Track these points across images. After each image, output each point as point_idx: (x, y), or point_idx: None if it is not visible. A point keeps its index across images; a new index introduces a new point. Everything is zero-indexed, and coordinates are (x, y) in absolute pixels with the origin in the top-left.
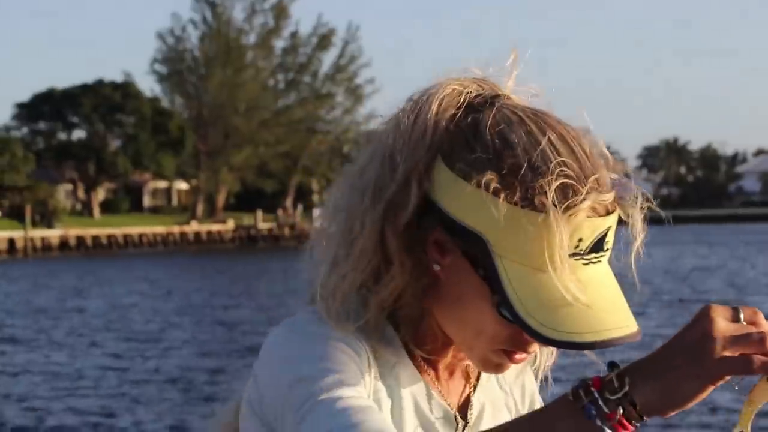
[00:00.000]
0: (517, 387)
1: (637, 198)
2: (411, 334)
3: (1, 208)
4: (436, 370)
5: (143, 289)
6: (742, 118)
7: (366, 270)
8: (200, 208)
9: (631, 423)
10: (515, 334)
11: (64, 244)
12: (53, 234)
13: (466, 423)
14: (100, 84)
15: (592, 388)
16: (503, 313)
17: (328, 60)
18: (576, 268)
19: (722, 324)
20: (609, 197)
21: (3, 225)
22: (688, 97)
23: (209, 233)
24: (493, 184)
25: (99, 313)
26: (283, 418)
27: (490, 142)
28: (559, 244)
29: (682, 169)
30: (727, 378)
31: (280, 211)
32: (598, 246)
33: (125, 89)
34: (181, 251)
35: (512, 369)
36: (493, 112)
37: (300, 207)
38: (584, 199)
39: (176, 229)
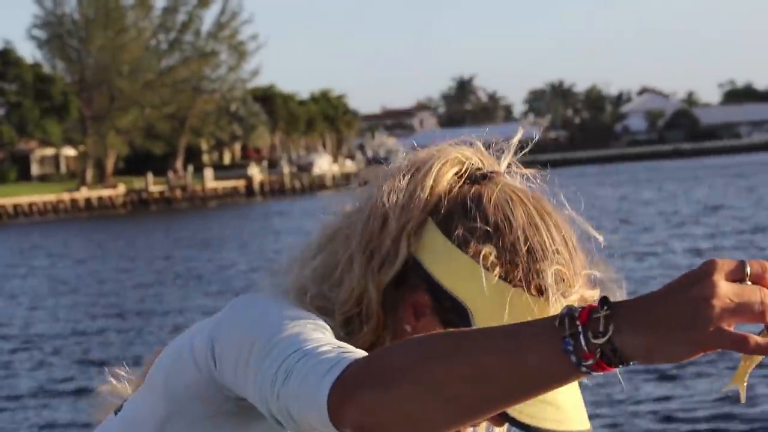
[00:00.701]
0: None
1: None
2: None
3: None
4: None
5: (36, 259)
6: (624, 58)
7: (345, 311)
8: (90, 174)
9: (608, 366)
10: None
11: None
12: None
13: None
14: None
15: (578, 322)
16: None
17: (209, 18)
18: (544, 309)
19: (724, 288)
20: (595, 294)
21: None
22: (571, 40)
23: (100, 199)
24: (491, 258)
25: None
26: (238, 362)
27: (492, 215)
28: (533, 258)
29: (569, 112)
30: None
31: (170, 173)
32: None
33: (5, 56)
34: (73, 218)
35: None
36: (497, 187)
37: (190, 168)
38: (576, 291)
39: (66, 197)
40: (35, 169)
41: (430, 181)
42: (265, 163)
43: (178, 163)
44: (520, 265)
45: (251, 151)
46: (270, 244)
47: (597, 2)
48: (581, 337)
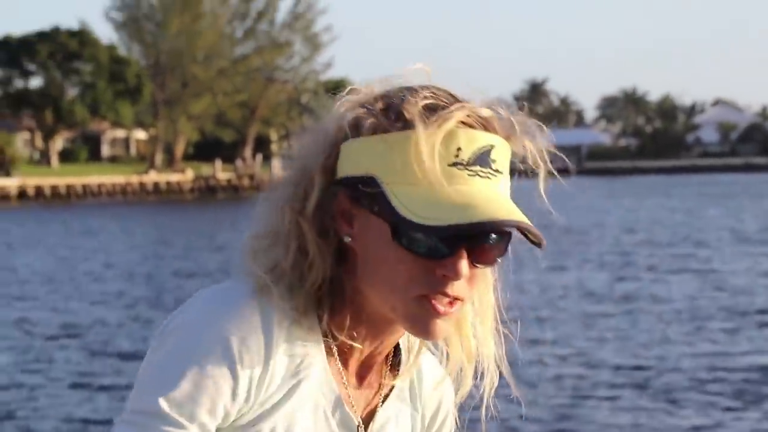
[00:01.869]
0: (434, 401)
1: (534, 134)
2: (335, 320)
3: None
4: (347, 370)
5: (103, 240)
6: (700, 68)
7: (289, 258)
8: (159, 158)
9: None
10: (425, 272)
11: (22, 193)
12: (11, 183)
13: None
14: (56, 31)
15: None
16: (401, 242)
17: (284, 7)
18: (459, 177)
19: None
20: (485, 112)
21: None
22: (647, 47)
23: (168, 183)
24: (372, 125)
25: (47, 267)
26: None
27: (377, 106)
28: (429, 153)
29: (641, 120)
30: None
31: (239, 161)
32: (482, 160)
33: (82, 37)
34: (141, 201)
35: (429, 381)
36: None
37: (259, 157)
38: (452, 111)
39: (135, 179)
40: (106, 150)
41: (334, 117)
42: None
43: (247, 152)
44: (396, 112)
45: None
46: None
47: (675, 8)
48: None
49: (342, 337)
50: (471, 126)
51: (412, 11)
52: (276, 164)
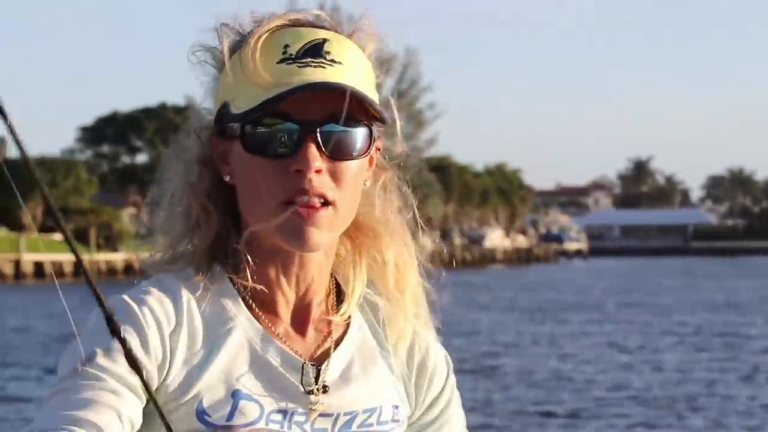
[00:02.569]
0: (410, 355)
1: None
2: (239, 268)
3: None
4: (279, 320)
5: None
6: None
7: (187, 224)
8: None
9: None
10: (282, 174)
11: (128, 267)
12: (118, 258)
13: (318, 372)
14: (163, 107)
15: None
16: (249, 149)
17: (388, 84)
18: (289, 71)
19: None
20: (310, 12)
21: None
22: (754, 126)
23: None
24: (225, 60)
25: None
26: None
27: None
28: (251, 56)
29: (748, 200)
30: None
31: None
32: (313, 52)
33: (188, 112)
34: None
35: (396, 328)
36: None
37: None
38: (276, 15)
39: None
40: None
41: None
42: (436, 233)
43: None
44: (241, 43)
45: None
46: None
47: None
48: None
49: (249, 283)
50: (301, 25)
51: (516, 90)
52: None
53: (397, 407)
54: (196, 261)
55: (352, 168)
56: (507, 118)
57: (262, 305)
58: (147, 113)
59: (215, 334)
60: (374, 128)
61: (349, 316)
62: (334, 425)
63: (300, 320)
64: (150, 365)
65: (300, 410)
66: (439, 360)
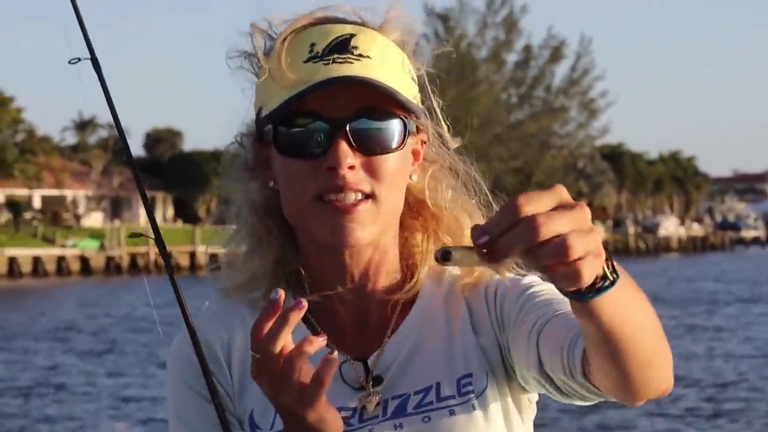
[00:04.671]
0: (486, 299)
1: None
2: (300, 278)
3: None
4: (335, 320)
5: None
6: None
7: (252, 242)
8: None
9: None
10: (314, 172)
11: None
12: None
13: (367, 366)
14: None
15: None
16: (282, 150)
17: (560, 73)
18: (316, 69)
19: None
20: (344, 9)
21: None
22: None
23: None
24: (261, 62)
25: None
26: None
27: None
28: (277, 59)
29: None
30: None
31: None
32: (340, 48)
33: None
34: None
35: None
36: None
37: None
38: (302, 15)
39: None
40: None
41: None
42: (609, 222)
43: None
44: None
45: (596, 209)
46: None
47: None
48: None
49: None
50: (327, 22)
51: (691, 78)
52: None
53: (468, 377)
54: (266, 282)
55: (389, 162)
56: (682, 105)
57: (318, 310)
58: None
59: None
60: (410, 121)
61: (417, 293)
62: (384, 412)
63: (359, 313)
64: (227, 388)
65: (349, 406)
66: (502, 284)
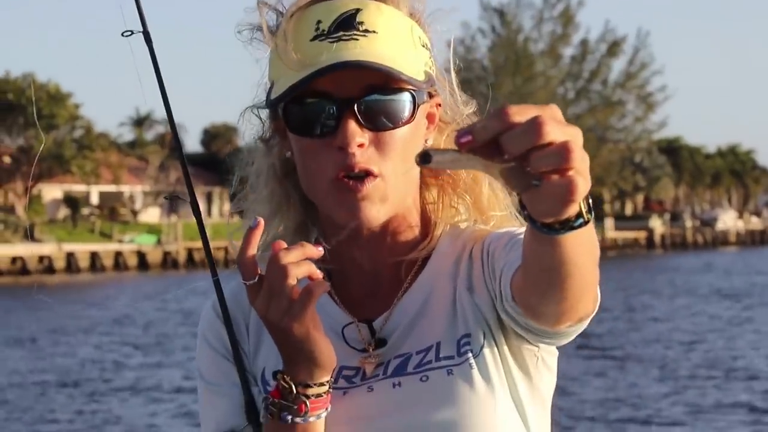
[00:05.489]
0: (480, 255)
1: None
2: (315, 240)
3: None
4: (349, 284)
5: None
6: None
7: (271, 207)
8: None
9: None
10: (327, 152)
11: None
12: None
13: (372, 327)
14: None
15: (271, 398)
16: (293, 129)
17: (617, 67)
18: (322, 48)
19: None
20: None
21: None
22: None
23: None
24: (268, 40)
25: None
26: None
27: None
28: (283, 37)
29: None
30: None
31: None
32: (345, 24)
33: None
34: None
35: (454, 238)
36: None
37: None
38: None
39: None
40: None
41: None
42: (667, 215)
43: None
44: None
45: (654, 202)
46: (676, 301)
47: None
48: (283, 407)
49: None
50: None
51: (750, 70)
52: (609, 224)
53: (467, 336)
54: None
55: (399, 136)
56: (740, 99)
57: (333, 273)
58: None
59: None
60: (419, 93)
61: (432, 252)
62: (385, 371)
63: (374, 276)
64: (245, 347)
65: (351, 365)
66: (496, 235)
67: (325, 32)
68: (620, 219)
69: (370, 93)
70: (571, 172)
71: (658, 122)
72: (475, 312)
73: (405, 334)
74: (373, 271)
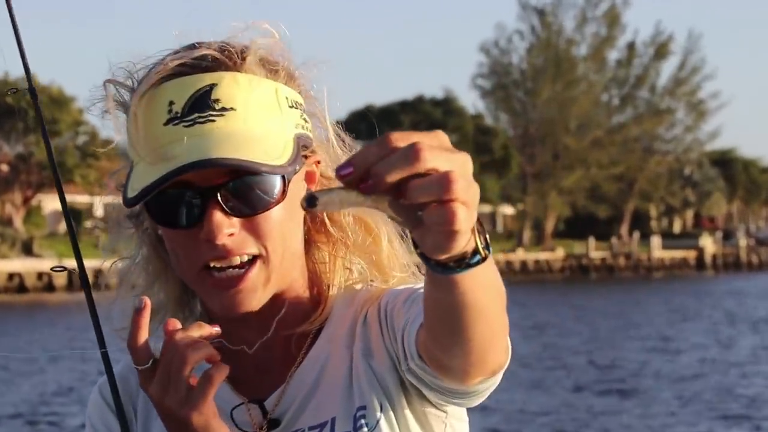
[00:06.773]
0: (378, 318)
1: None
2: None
3: None
4: (240, 362)
5: None
6: None
7: (148, 277)
8: (527, 235)
9: None
10: (194, 242)
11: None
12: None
13: (264, 411)
14: (419, 100)
15: None
16: (157, 221)
17: (666, 72)
18: (177, 133)
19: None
20: (200, 51)
21: None
22: None
23: (537, 262)
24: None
25: None
26: None
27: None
28: (135, 124)
29: None
30: None
31: (614, 239)
32: (199, 105)
33: (446, 105)
34: (506, 280)
35: (346, 309)
36: None
37: (636, 234)
38: (154, 68)
39: (501, 257)
40: None
41: None
42: (719, 233)
43: (624, 229)
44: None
45: (705, 219)
46: (722, 330)
47: None
48: None
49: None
50: (186, 73)
51: None
52: (656, 242)
53: (362, 409)
54: (170, 313)
55: (273, 216)
56: None
57: (223, 350)
58: (403, 106)
59: None
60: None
61: (326, 320)
62: None
63: (264, 351)
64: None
65: None
66: (393, 293)
67: (179, 114)
68: (668, 237)
69: (234, 178)
70: (452, 202)
71: (710, 132)
72: (371, 381)
73: (299, 412)
74: (263, 347)
